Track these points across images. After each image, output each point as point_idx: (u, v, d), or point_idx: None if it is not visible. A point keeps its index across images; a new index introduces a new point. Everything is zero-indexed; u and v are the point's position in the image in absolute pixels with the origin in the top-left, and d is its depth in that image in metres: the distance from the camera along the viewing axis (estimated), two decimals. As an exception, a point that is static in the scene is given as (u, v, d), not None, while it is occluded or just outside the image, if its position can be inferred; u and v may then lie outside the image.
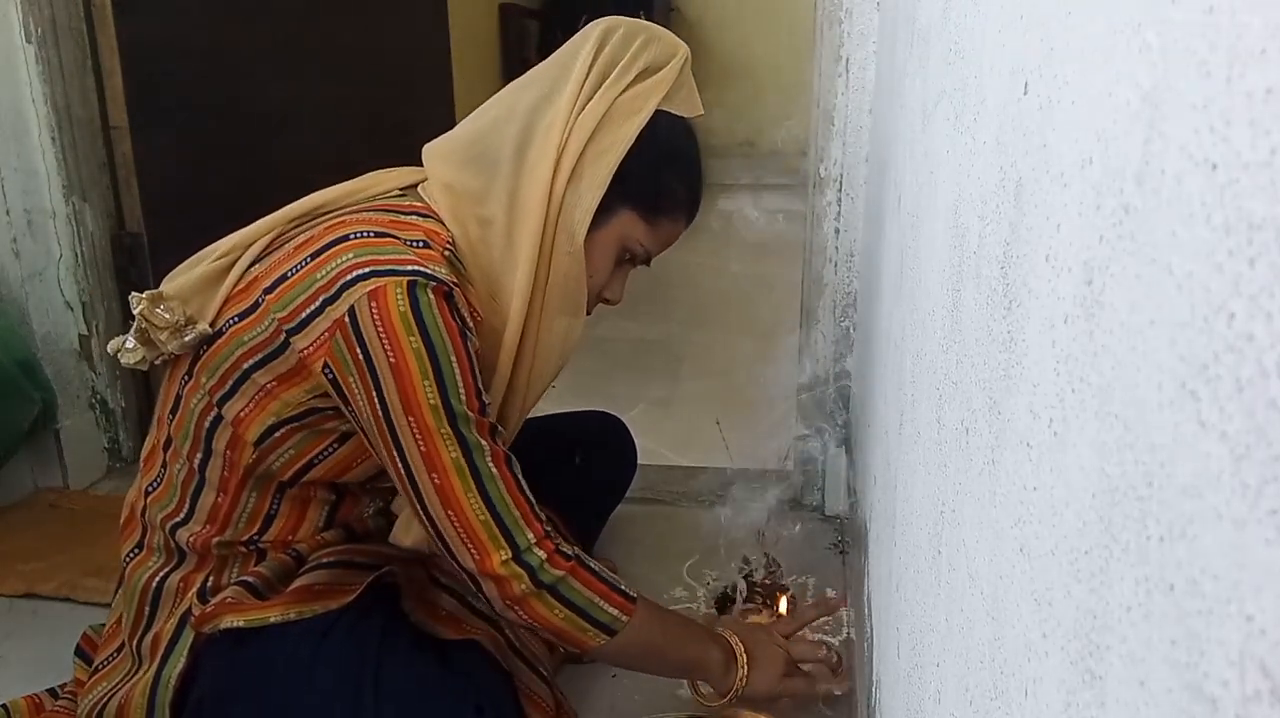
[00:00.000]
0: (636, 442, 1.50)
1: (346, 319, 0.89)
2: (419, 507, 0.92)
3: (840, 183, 1.49)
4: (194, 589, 1.01)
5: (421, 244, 0.95)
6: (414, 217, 0.99)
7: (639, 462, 1.52)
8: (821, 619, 1.33)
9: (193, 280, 1.01)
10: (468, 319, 0.93)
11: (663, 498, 1.66)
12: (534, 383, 1.06)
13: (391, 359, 0.88)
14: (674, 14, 4.09)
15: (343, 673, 0.96)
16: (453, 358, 0.90)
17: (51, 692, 1.15)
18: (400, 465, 0.91)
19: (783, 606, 1.29)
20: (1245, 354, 0.22)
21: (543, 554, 0.93)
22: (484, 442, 0.92)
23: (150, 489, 1.04)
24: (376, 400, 0.90)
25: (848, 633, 1.30)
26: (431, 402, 0.89)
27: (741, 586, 1.31)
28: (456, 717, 0.98)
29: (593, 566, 0.98)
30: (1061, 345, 0.36)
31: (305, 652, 0.96)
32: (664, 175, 1.02)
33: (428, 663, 1.01)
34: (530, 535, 0.93)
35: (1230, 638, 0.22)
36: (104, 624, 1.17)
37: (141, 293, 1.00)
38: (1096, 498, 0.31)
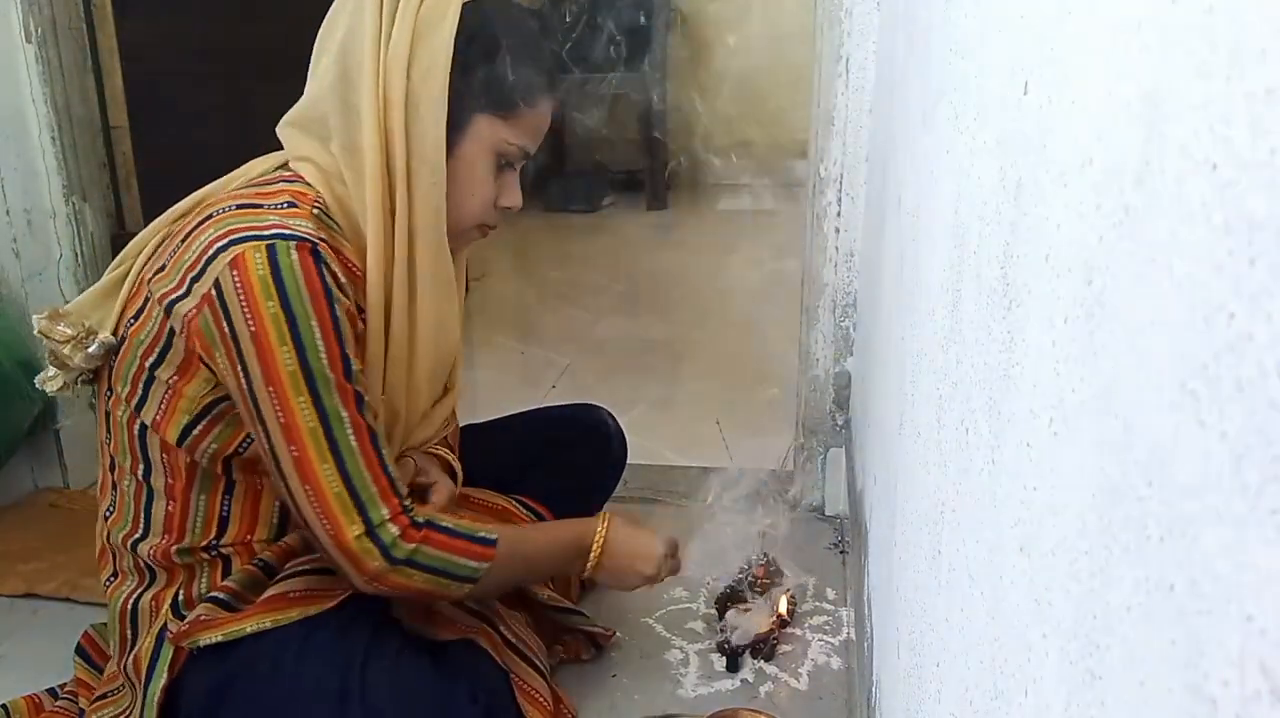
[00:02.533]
0: (637, 442, 1.49)
1: (212, 293, 0.88)
2: (281, 482, 0.91)
3: (840, 183, 1.49)
4: (166, 605, 1.01)
5: (287, 205, 0.93)
6: (280, 184, 0.97)
7: (641, 461, 1.52)
8: (821, 619, 1.33)
9: (92, 294, 1.01)
10: (340, 275, 0.91)
11: (663, 498, 1.66)
12: (423, 336, 1.01)
13: (251, 328, 0.87)
14: (674, 14, 4.09)
15: (328, 672, 0.95)
16: (313, 320, 0.88)
17: (51, 692, 1.15)
18: (265, 440, 0.90)
19: (782, 605, 1.29)
20: (1245, 354, 0.22)
21: (396, 530, 0.92)
22: (345, 412, 0.90)
23: (108, 514, 1.05)
24: (241, 373, 0.88)
25: (848, 633, 1.30)
26: (289, 368, 0.87)
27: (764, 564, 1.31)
28: (450, 705, 0.98)
29: (446, 524, 0.97)
30: (1061, 345, 0.36)
31: (290, 655, 0.95)
32: (500, 66, 0.96)
33: (420, 661, 1.01)
34: (385, 511, 0.92)
35: (1230, 638, 0.22)
36: (105, 623, 1.17)
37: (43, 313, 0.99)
38: (1096, 498, 0.31)
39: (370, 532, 0.91)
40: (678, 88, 4.18)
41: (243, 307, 0.87)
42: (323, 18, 1.00)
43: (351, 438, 0.90)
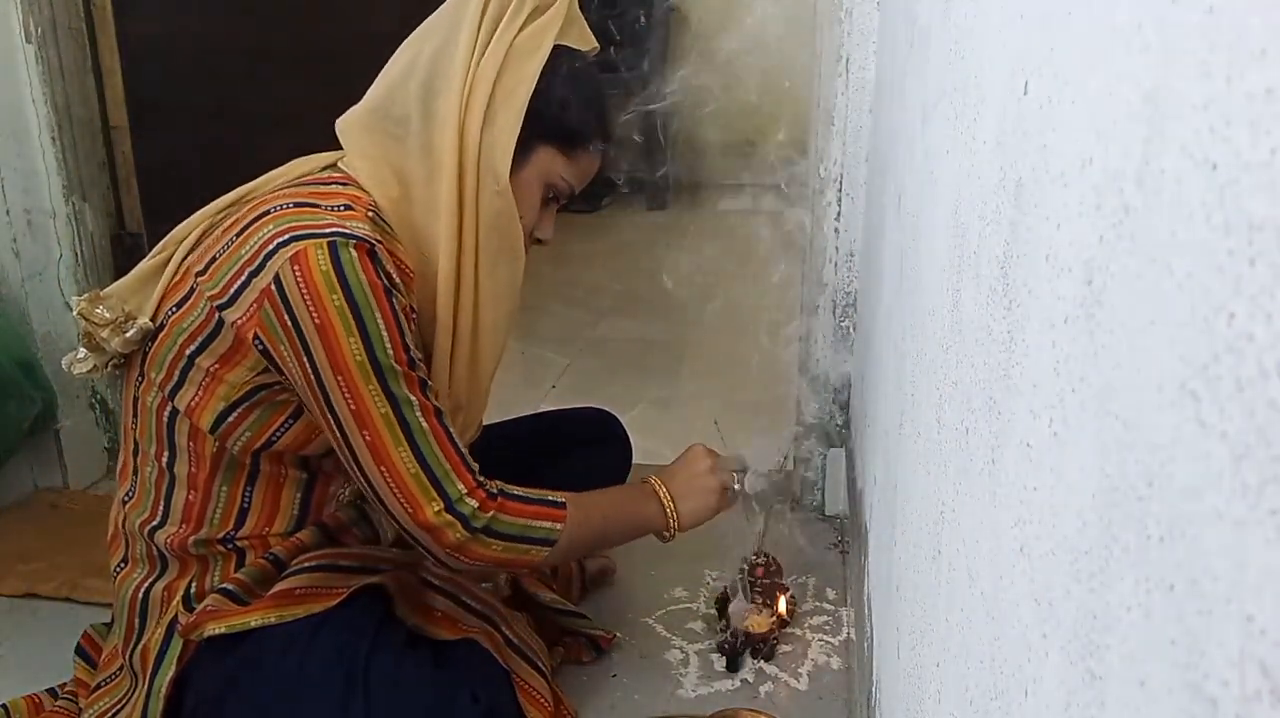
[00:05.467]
0: (637, 442, 1.50)
1: (273, 287, 0.90)
2: (354, 466, 0.94)
3: (840, 183, 1.49)
4: (178, 597, 1.01)
5: (344, 207, 0.96)
6: (335, 186, 1.00)
7: (639, 461, 1.51)
8: (821, 619, 1.33)
9: (131, 279, 1.03)
10: (394, 275, 0.94)
11: (663, 498, 1.66)
12: (484, 332, 1.05)
13: (316, 320, 0.90)
14: (674, 14, 4.08)
15: (331, 669, 0.96)
16: (376, 313, 0.91)
17: (51, 692, 1.16)
18: (334, 426, 0.93)
19: (782, 605, 1.29)
20: (1245, 354, 0.22)
21: (474, 503, 0.96)
22: (413, 396, 0.93)
23: (127, 499, 1.05)
24: (306, 363, 0.91)
25: (848, 633, 1.30)
26: (358, 358, 0.90)
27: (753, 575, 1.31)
28: (451, 703, 0.99)
29: (518, 492, 1.01)
30: (1061, 345, 0.36)
31: (294, 652, 0.96)
32: (574, 107, 1.03)
33: (422, 659, 1.01)
34: (461, 486, 0.95)
35: (1230, 638, 0.22)
36: (105, 624, 1.17)
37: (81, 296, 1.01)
38: (1096, 498, 0.31)
39: (450, 507, 0.95)
40: (677, 88, 4.16)
41: (306, 300, 0.90)
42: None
43: (422, 420, 0.94)
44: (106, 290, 1.02)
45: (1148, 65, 0.29)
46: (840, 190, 1.49)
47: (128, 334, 0.98)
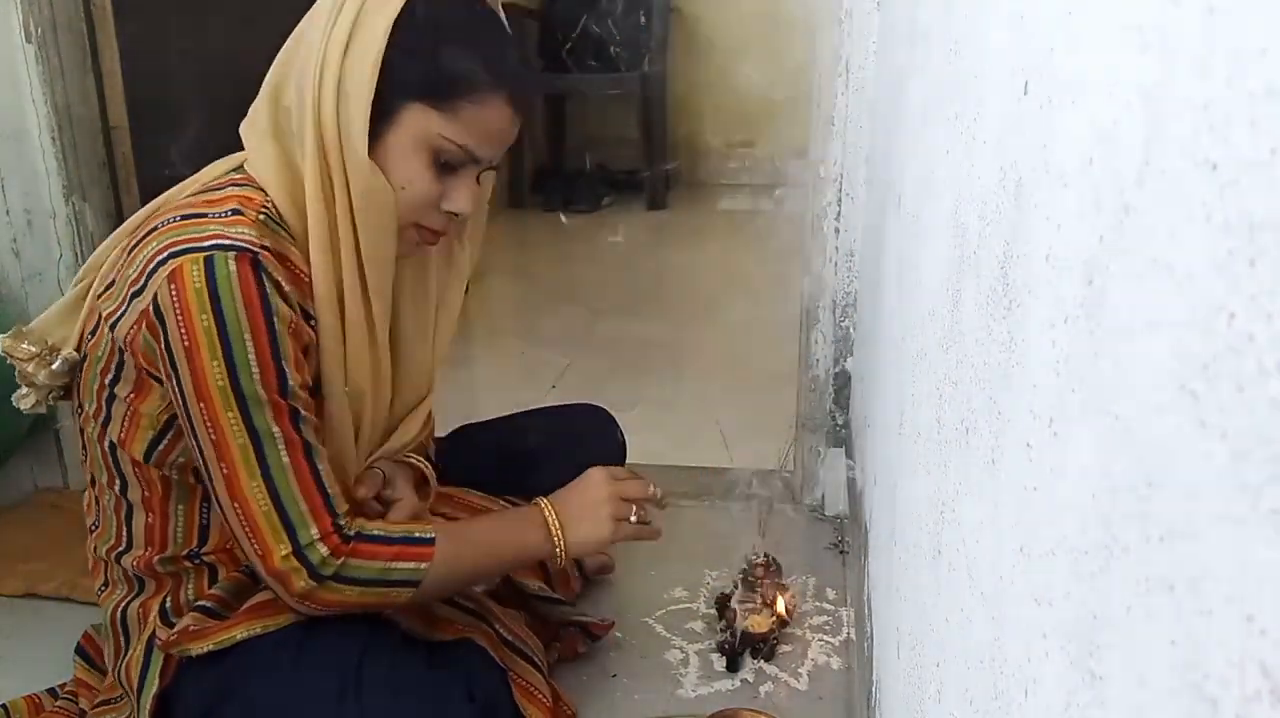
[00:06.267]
0: (637, 442, 1.49)
1: (150, 308, 0.87)
2: (216, 501, 0.90)
3: (840, 183, 1.49)
4: (154, 613, 1.01)
5: (231, 213, 0.90)
6: (229, 189, 0.94)
7: (640, 461, 1.51)
8: (821, 619, 1.33)
9: (56, 311, 1.01)
10: (284, 283, 0.88)
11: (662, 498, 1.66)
12: (379, 316, 0.98)
13: (185, 342, 0.85)
14: (674, 14, 4.08)
15: (325, 674, 0.95)
16: (247, 335, 0.86)
17: (51, 692, 1.15)
18: (199, 456, 0.89)
19: (781, 605, 1.29)
20: (1245, 354, 0.22)
21: (325, 550, 0.90)
22: (276, 429, 0.88)
23: (94, 528, 1.04)
24: (176, 387, 0.87)
25: (848, 633, 1.30)
26: (219, 383, 0.86)
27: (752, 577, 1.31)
28: (448, 702, 0.98)
29: (377, 532, 0.94)
30: (1061, 345, 0.36)
31: (286, 658, 0.95)
32: (440, 54, 0.91)
33: (416, 659, 1.00)
34: (314, 531, 0.90)
35: (1230, 638, 0.22)
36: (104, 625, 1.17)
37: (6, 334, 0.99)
38: (1096, 498, 0.31)
39: (297, 552, 0.90)
40: (678, 88, 4.17)
41: (178, 321, 0.85)
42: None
43: (284, 455, 0.89)
44: (30, 325, 1.00)
45: (1148, 65, 0.29)
46: (840, 190, 1.49)
47: (53, 367, 0.96)
